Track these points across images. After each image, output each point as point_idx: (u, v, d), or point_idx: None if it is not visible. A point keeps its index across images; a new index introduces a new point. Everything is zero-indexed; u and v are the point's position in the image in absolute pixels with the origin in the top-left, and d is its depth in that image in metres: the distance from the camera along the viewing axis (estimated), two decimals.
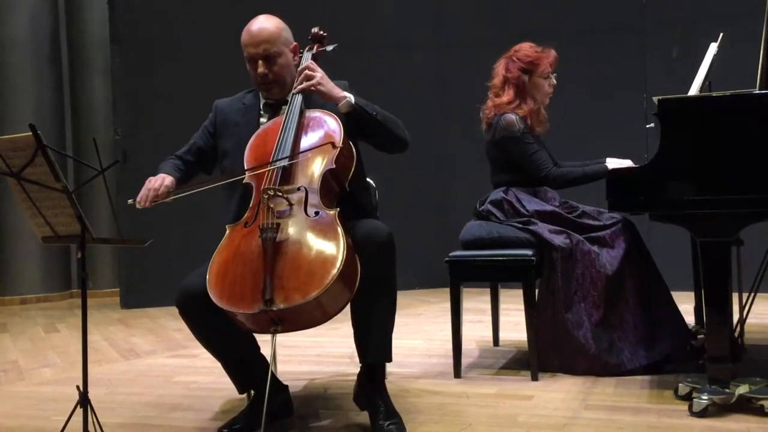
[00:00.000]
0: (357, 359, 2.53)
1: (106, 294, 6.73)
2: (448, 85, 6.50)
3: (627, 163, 3.24)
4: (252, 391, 2.65)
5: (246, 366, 2.56)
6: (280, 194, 2.32)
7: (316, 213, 2.30)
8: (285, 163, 2.41)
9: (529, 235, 3.25)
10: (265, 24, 2.64)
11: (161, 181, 2.56)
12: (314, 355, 3.78)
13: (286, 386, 2.72)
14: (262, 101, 2.72)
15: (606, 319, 3.15)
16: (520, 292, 3.15)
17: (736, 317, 3.04)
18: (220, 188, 2.64)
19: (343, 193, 2.51)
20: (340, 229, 2.23)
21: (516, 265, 3.16)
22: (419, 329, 4.48)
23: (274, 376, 2.62)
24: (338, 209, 2.32)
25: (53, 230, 2.22)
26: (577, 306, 3.16)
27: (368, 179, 2.90)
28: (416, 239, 5.97)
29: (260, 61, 2.60)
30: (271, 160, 2.43)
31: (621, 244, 3.22)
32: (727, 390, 2.53)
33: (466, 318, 3.54)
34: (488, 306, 3.90)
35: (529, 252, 3.17)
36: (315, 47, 2.76)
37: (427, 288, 6.17)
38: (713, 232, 2.55)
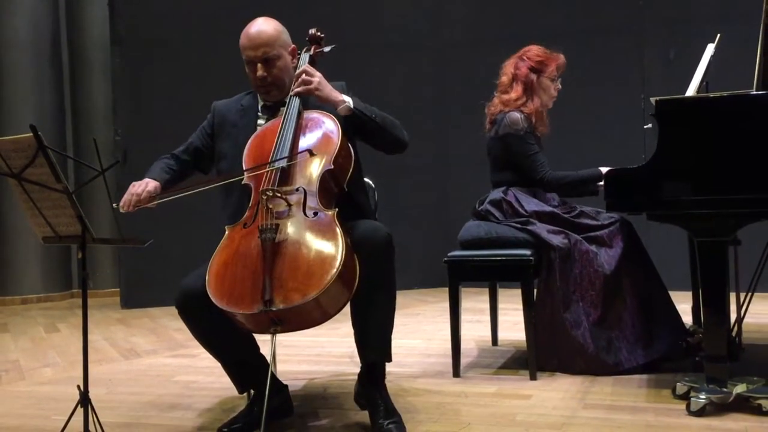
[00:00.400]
0: (357, 359, 2.54)
1: (107, 294, 6.74)
2: (448, 86, 6.51)
3: None
4: (252, 391, 2.66)
5: (246, 366, 2.57)
6: (279, 195, 2.33)
7: (315, 214, 2.31)
8: (283, 164, 2.42)
9: (527, 235, 3.26)
10: (263, 27, 2.64)
11: (144, 186, 2.57)
12: (314, 354, 3.79)
13: (286, 386, 2.73)
14: (260, 103, 2.74)
15: (604, 318, 3.16)
16: (519, 291, 3.17)
17: (733, 317, 3.05)
18: (217, 190, 2.65)
19: (342, 194, 2.52)
20: (338, 230, 2.24)
21: (514, 265, 3.17)
22: (418, 329, 4.49)
23: (273, 376, 2.63)
24: (337, 209, 2.33)
25: (54, 230, 2.23)
26: (576, 305, 3.17)
27: (367, 180, 2.91)
28: (415, 239, 5.98)
29: (259, 64, 2.61)
30: (269, 161, 2.44)
31: (619, 244, 3.23)
32: (725, 389, 2.54)
33: (464, 318, 3.55)
34: (487, 306, 3.91)
35: (527, 252, 3.18)
36: (312, 48, 2.76)
37: (425, 288, 6.18)
38: (711, 232, 2.56)
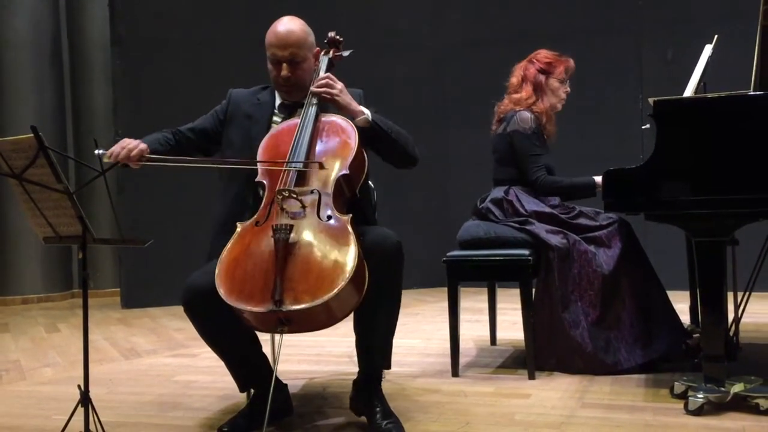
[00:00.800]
0: (356, 358, 2.54)
1: (107, 294, 6.75)
2: (447, 86, 6.52)
3: None
4: (251, 390, 2.67)
5: (248, 365, 2.57)
6: (295, 196, 2.33)
7: (329, 217, 2.31)
8: (299, 167, 2.41)
9: (526, 235, 3.27)
10: (293, 27, 2.61)
11: (137, 143, 2.50)
12: (313, 354, 3.80)
13: (285, 385, 2.74)
14: (278, 101, 2.73)
15: (602, 318, 3.17)
16: (517, 291, 3.18)
17: (731, 316, 3.06)
18: (218, 176, 2.62)
19: (354, 199, 2.52)
20: (352, 236, 2.24)
21: (513, 265, 3.18)
22: (417, 328, 4.50)
23: (275, 373, 2.63)
24: (351, 215, 2.33)
25: (54, 231, 2.23)
26: (574, 305, 3.19)
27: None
28: (414, 239, 5.98)
29: (285, 64, 2.59)
30: (286, 161, 2.43)
31: (617, 244, 3.24)
32: (723, 388, 2.55)
33: (463, 317, 3.56)
34: (486, 305, 3.93)
35: (526, 252, 3.19)
36: (332, 51, 2.76)
37: (424, 287, 6.19)
38: (708, 232, 2.57)
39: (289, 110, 2.70)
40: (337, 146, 2.49)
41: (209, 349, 2.54)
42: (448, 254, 3.29)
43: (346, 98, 2.56)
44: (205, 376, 3.43)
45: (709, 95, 2.74)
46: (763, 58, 2.78)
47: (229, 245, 2.33)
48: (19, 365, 3.89)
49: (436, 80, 6.55)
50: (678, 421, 2.50)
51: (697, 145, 2.58)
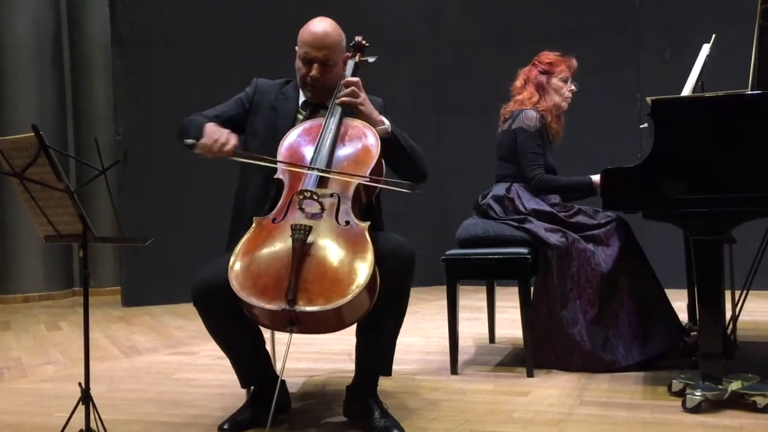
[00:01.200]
0: (354, 356, 2.55)
1: (108, 292, 6.76)
2: (446, 86, 6.53)
3: None
4: (251, 387, 2.68)
5: (252, 362, 2.58)
6: (316, 198, 2.34)
7: (347, 222, 2.32)
8: (320, 172, 2.41)
9: (524, 233, 3.29)
10: (329, 29, 2.60)
11: (227, 136, 2.43)
12: (313, 352, 3.82)
13: (284, 381, 2.74)
14: (302, 98, 2.71)
15: (601, 316, 3.18)
16: (516, 289, 3.19)
17: (728, 314, 3.07)
18: (241, 165, 2.63)
19: (370, 206, 2.53)
20: (369, 245, 2.24)
21: (512, 264, 3.19)
22: (416, 326, 4.51)
23: (274, 371, 2.65)
24: (369, 222, 2.33)
25: (55, 229, 2.24)
26: (573, 303, 3.20)
27: None
28: (413, 237, 5.98)
29: (316, 65, 2.58)
30: (309, 163, 2.43)
31: (616, 243, 3.26)
32: (720, 386, 2.56)
33: (462, 315, 3.57)
34: (484, 303, 3.94)
35: (524, 250, 3.20)
36: (357, 56, 2.75)
37: (423, 286, 6.19)
38: (706, 231, 2.58)
39: (313, 110, 2.69)
40: (360, 152, 2.49)
41: (209, 347, 2.55)
42: (447, 253, 3.30)
43: (369, 107, 2.57)
44: (205, 373, 3.45)
45: (707, 94, 2.76)
46: (760, 57, 2.79)
47: (244, 239, 2.33)
48: (21, 363, 3.90)
49: (434, 80, 6.55)
50: (676, 418, 2.52)
51: (695, 144, 2.59)
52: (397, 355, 2.57)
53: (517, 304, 3.22)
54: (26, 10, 6.57)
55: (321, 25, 2.60)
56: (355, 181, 2.40)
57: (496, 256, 3.23)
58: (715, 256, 2.58)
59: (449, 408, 2.74)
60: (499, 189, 3.47)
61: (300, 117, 2.68)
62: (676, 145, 2.60)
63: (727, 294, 2.95)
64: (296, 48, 2.65)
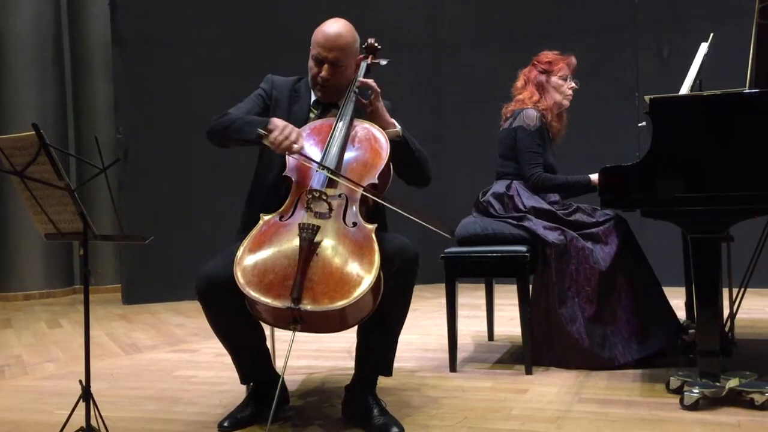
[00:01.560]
0: (354, 353, 2.56)
1: (108, 290, 6.79)
2: (445, 85, 6.54)
3: None
4: (251, 383, 2.69)
5: (253, 358, 2.59)
6: (325, 198, 2.35)
7: (354, 224, 2.33)
8: (327, 173, 2.41)
9: (523, 231, 3.30)
10: (343, 31, 2.60)
11: (297, 135, 2.43)
12: (312, 349, 3.83)
13: (282, 376, 2.76)
14: (313, 97, 2.72)
15: (599, 314, 3.19)
16: (515, 287, 3.20)
17: (726, 312, 3.08)
18: (258, 165, 2.63)
19: (377, 208, 2.53)
20: (376, 247, 2.25)
21: (510, 262, 3.20)
22: (415, 324, 4.52)
23: (273, 368, 2.66)
24: (376, 225, 2.34)
25: (56, 227, 2.25)
26: (571, 301, 3.21)
27: None
28: (412, 236, 6.01)
29: (326, 66, 2.58)
30: (319, 163, 2.43)
31: (614, 241, 3.27)
32: (718, 383, 2.57)
33: (461, 313, 3.58)
34: (483, 301, 3.95)
35: (523, 248, 3.21)
36: (370, 58, 2.75)
37: (422, 284, 6.19)
38: (704, 229, 2.59)
39: (324, 109, 2.70)
40: (369, 154, 2.49)
41: (209, 344, 2.55)
42: (446, 251, 3.31)
43: (381, 108, 2.57)
44: (205, 371, 3.46)
45: (705, 93, 2.76)
46: (758, 55, 2.80)
47: (251, 235, 2.34)
48: (22, 360, 3.91)
49: (433, 79, 6.56)
50: (674, 415, 2.53)
51: (693, 142, 2.60)
52: (397, 352, 2.58)
53: (516, 301, 3.23)
54: (27, 9, 6.58)
55: (334, 27, 2.60)
56: (387, 205, 2.41)
57: (495, 254, 3.23)
58: (713, 254, 2.59)
59: (448, 405, 2.75)
60: (500, 186, 3.48)
61: (312, 116, 2.69)
62: (675, 143, 2.61)
63: (725, 292, 2.96)
64: (310, 47, 2.65)
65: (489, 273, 3.58)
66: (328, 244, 2.26)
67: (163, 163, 5.97)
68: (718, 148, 2.58)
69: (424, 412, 2.66)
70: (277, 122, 2.44)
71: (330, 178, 2.42)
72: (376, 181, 2.45)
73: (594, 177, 3.31)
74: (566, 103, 3.61)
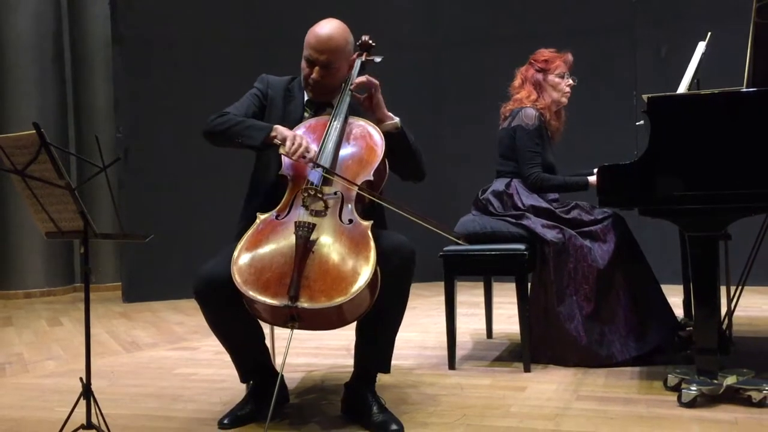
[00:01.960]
0: (353, 351, 2.57)
1: (109, 288, 6.80)
2: (444, 84, 6.54)
3: None
4: (251, 382, 2.70)
5: (252, 357, 2.60)
6: (320, 196, 2.36)
7: (350, 221, 2.34)
8: (322, 171, 2.41)
9: (522, 229, 3.31)
10: (334, 33, 2.58)
11: (306, 145, 2.42)
12: (312, 347, 3.84)
13: (281, 374, 2.76)
14: (306, 96, 2.72)
15: (597, 311, 3.20)
16: (513, 285, 3.20)
17: (724, 310, 3.08)
18: (256, 159, 2.64)
19: (372, 205, 2.54)
20: (372, 243, 2.26)
21: (509, 260, 3.21)
22: (414, 322, 4.53)
23: (272, 366, 2.67)
24: (372, 222, 2.35)
25: (57, 226, 2.26)
26: (569, 299, 3.22)
27: None
28: (411, 233, 6.02)
29: (317, 67, 2.58)
30: (315, 162, 2.43)
31: (612, 239, 3.28)
32: (716, 381, 2.58)
33: (460, 311, 3.59)
34: (482, 299, 3.95)
35: (522, 246, 3.22)
36: (363, 55, 2.75)
37: (421, 282, 6.20)
38: (701, 227, 2.60)
39: (317, 108, 2.70)
40: (364, 152, 2.50)
41: (209, 342, 2.56)
42: (445, 249, 3.32)
43: (382, 102, 2.58)
44: (205, 368, 3.47)
45: (703, 92, 2.77)
46: (755, 54, 2.80)
47: (248, 234, 2.35)
48: (23, 358, 3.92)
49: (432, 78, 6.56)
50: (671, 413, 2.54)
51: (691, 141, 2.61)
52: (395, 350, 2.59)
53: (515, 299, 3.24)
54: (27, 8, 6.59)
55: (326, 28, 2.59)
56: (383, 203, 2.43)
57: (494, 252, 3.24)
58: (711, 252, 2.60)
59: (447, 403, 2.76)
60: (499, 184, 3.49)
61: (306, 115, 2.69)
62: (672, 142, 2.62)
63: (723, 289, 2.97)
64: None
65: (488, 271, 3.59)
66: (324, 241, 2.27)
67: (163, 162, 5.98)
68: (715, 147, 2.59)
69: (423, 410, 2.67)
70: (284, 132, 2.45)
71: (325, 175, 2.42)
72: (372, 178, 2.46)
73: (592, 179, 3.32)
74: (564, 100, 3.62)
